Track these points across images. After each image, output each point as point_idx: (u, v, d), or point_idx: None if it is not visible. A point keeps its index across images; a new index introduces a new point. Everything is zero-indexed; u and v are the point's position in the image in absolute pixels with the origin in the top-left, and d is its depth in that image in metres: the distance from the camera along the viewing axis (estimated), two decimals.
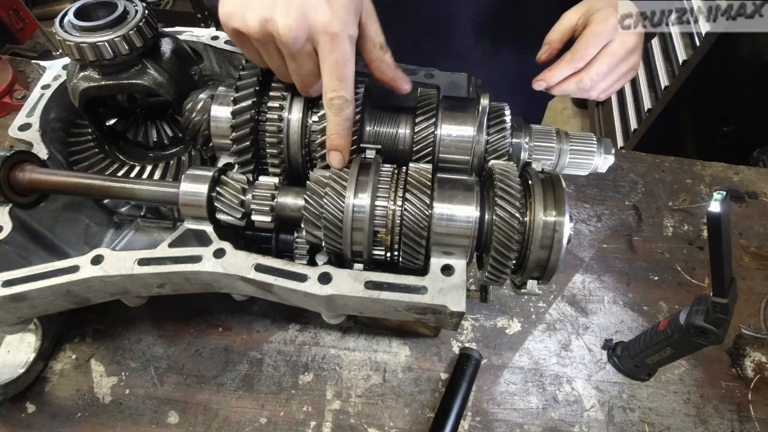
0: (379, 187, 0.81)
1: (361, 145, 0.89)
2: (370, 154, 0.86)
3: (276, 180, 0.87)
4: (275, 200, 0.85)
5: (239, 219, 0.86)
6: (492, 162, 0.84)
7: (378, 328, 1.19)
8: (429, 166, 0.85)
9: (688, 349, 0.97)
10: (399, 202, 0.80)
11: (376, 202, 0.80)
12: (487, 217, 0.79)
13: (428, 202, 0.79)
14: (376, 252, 0.82)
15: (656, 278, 1.28)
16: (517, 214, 0.75)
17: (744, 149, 2.59)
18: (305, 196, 0.82)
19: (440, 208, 0.79)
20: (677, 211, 1.40)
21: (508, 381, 1.13)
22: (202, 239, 0.88)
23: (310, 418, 1.07)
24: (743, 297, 1.24)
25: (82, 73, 0.95)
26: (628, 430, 1.07)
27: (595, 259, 1.32)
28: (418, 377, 1.13)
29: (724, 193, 0.74)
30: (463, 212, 0.79)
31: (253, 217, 0.85)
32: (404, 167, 0.86)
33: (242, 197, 0.85)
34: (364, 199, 0.78)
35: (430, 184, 0.80)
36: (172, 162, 1.08)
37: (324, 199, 0.79)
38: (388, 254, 0.83)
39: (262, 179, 0.88)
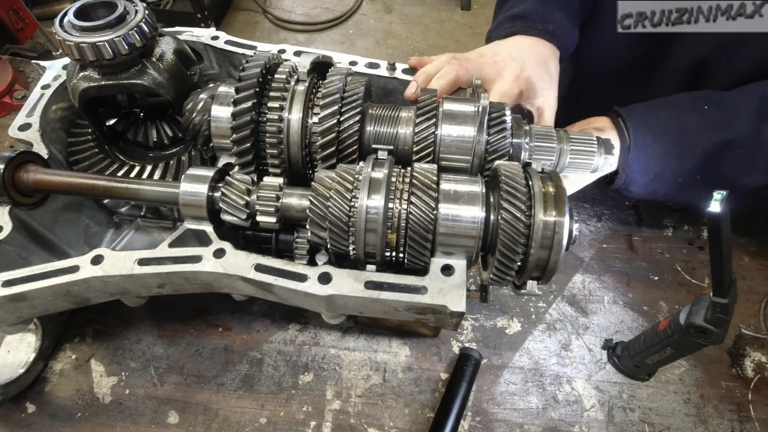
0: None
1: (373, 145, 0.88)
2: (382, 155, 0.85)
3: (281, 180, 0.87)
4: (280, 201, 0.85)
5: (244, 220, 0.86)
6: (497, 162, 0.84)
7: (378, 328, 1.19)
8: (434, 167, 0.84)
9: (688, 349, 0.97)
10: (404, 204, 0.79)
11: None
12: (492, 217, 0.79)
13: (433, 204, 0.78)
14: (385, 252, 0.82)
15: (656, 278, 1.28)
16: (523, 217, 0.75)
17: None
18: (310, 197, 0.82)
19: (446, 209, 0.79)
20: (677, 210, 1.40)
21: (508, 381, 1.13)
22: (202, 239, 0.88)
23: (310, 418, 1.07)
24: (743, 297, 1.24)
25: (82, 73, 0.95)
26: (628, 430, 1.07)
27: (595, 259, 1.32)
28: (418, 377, 1.13)
29: (724, 193, 0.74)
30: (468, 213, 0.78)
31: (258, 218, 0.85)
32: (408, 167, 0.86)
33: (247, 198, 0.85)
34: (377, 201, 0.78)
35: (435, 186, 0.80)
36: (172, 162, 1.08)
37: (329, 201, 0.79)
38: (393, 254, 0.83)
39: (267, 180, 0.87)
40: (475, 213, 0.78)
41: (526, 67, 1.08)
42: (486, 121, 0.88)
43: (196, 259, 0.84)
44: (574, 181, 1.10)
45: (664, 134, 1.08)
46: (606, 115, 1.15)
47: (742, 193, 1.08)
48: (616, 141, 1.08)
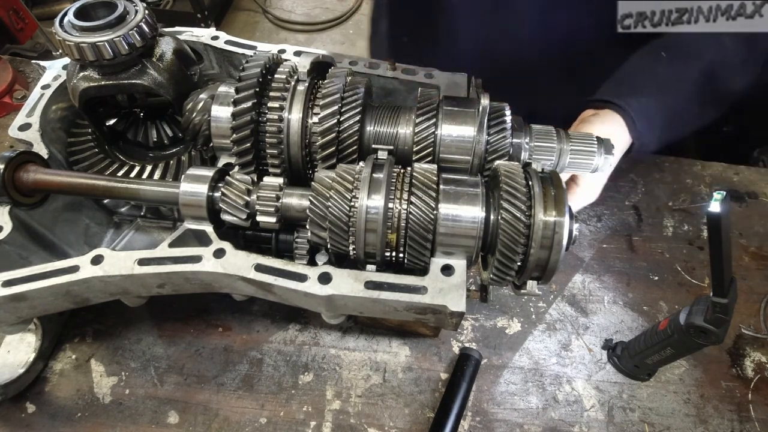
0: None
1: (373, 145, 0.88)
2: (382, 155, 0.85)
3: (281, 180, 0.87)
4: (280, 201, 0.85)
5: (244, 220, 0.86)
6: (497, 162, 0.84)
7: (378, 328, 1.19)
8: (434, 167, 0.84)
9: (688, 349, 0.97)
10: (404, 204, 0.79)
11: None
12: (492, 217, 0.79)
13: (433, 204, 0.78)
14: (385, 252, 0.82)
15: (656, 278, 1.28)
16: (523, 217, 0.75)
17: (744, 149, 2.58)
18: (310, 197, 0.82)
19: (446, 209, 0.79)
20: (677, 211, 1.40)
21: (508, 381, 1.13)
22: (202, 239, 0.88)
23: (310, 418, 1.07)
24: (743, 297, 1.24)
25: (82, 73, 0.95)
26: (628, 430, 1.07)
27: (595, 259, 1.32)
28: (418, 377, 1.13)
29: (724, 193, 0.74)
30: (468, 213, 0.78)
31: (258, 218, 0.85)
32: (408, 167, 0.86)
33: (247, 198, 0.85)
34: (377, 201, 0.78)
35: (435, 186, 0.80)
36: (172, 162, 1.08)
37: (329, 201, 0.79)
38: (393, 254, 0.83)
39: (267, 180, 0.87)
40: (475, 213, 0.78)
41: None
42: (486, 121, 0.88)
43: (196, 259, 0.84)
44: (591, 183, 1.12)
45: (652, 89, 1.14)
46: (587, 107, 1.18)
47: (736, 97, 1.22)
48: (617, 118, 1.11)
